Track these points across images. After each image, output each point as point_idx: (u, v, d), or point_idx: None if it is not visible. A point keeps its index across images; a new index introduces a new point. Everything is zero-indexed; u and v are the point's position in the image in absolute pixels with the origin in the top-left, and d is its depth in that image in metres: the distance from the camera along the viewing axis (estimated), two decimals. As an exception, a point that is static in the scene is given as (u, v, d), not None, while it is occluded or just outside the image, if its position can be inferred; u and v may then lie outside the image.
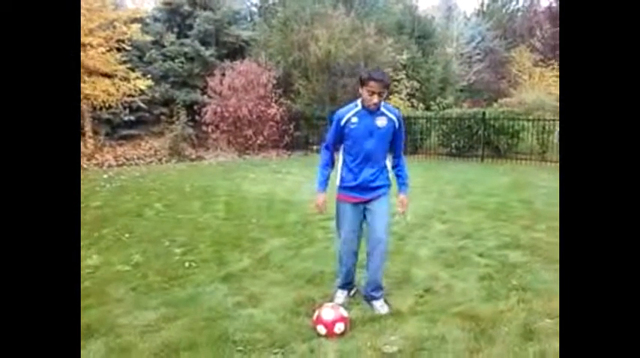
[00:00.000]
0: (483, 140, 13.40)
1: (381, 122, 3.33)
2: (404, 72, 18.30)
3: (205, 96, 15.13)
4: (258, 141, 14.85)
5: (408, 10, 22.52)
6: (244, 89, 14.56)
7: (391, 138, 3.43)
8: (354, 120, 3.33)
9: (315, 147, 14.95)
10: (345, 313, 3.23)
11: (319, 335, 3.10)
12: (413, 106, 16.49)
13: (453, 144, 13.85)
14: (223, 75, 14.78)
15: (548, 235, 5.44)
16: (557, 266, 4.35)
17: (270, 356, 2.89)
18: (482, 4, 34.49)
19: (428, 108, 16.58)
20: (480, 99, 26.67)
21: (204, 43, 16.65)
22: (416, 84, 18.64)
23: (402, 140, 3.54)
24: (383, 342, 3.02)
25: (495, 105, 18.25)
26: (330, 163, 3.56)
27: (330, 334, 3.10)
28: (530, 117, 13.71)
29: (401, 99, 16.95)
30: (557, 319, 3.27)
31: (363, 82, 3.22)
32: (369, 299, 3.58)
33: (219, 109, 14.55)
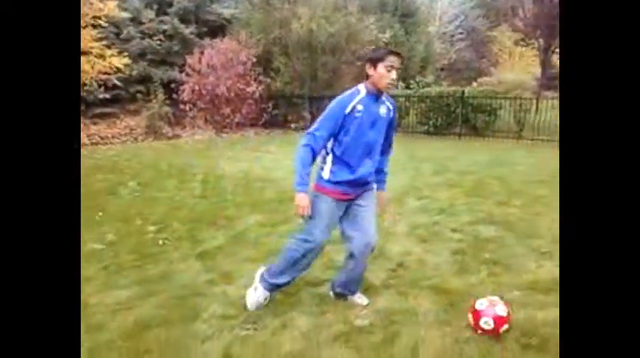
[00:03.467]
0: (462, 118, 13.47)
1: (382, 110, 3.03)
2: (385, 50, 18.20)
3: (183, 75, 14.90)
4: (236, 120, 14.73)
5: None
6: (223, 67, 14.37)
7: (388, 129, 3.16)
8: (360, 108, 2.92)
9: (293, 126, 14.90)
10: (503, 312, 2.82)
11: (484, 331, 2.79)
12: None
13: (431, 122, 13.90)
14: (202, 53, 14.57)
15: (521, 211, 5.51)
16: (529, 240, 4.43)
17: (243, 332, 2.89)
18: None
19: (407, 87, 16.57)
20: (460, 77, 26.75)
21: (183, 20, 16.33)
22: (397, 62, 18.56)
23: (393, 132, 3.25)
24: (354, 316, 3.05)
25: (475, 84, 18.35)
26: (313, 160, 2.99)
27: (497, 328, 2.76)
28: (508, 96, 13.80)
29: (381, 77, 16.89)
30: (526, 291, 3.34)
31: (379, 59, 2.87)
32: (347, 295, 3.29)
33: (197, 87, 14.37)
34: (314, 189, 3.08)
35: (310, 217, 3.00)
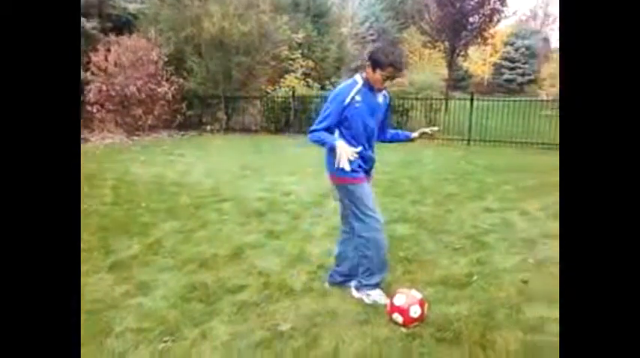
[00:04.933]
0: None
1: (380, 99, 3.25)
2: (299, 51, 18.34)
3: (88, 73, 14.12)
4: (149, 122, 14.19)
5: (302, -12, 22.47)
6: (132, 66, 13.77)
7: (384, 114, 3.38)
8: (358, 98, 3.12)
9: (209, 127, 14.60)
10: (418, 295, 3.03)
11: (396, 323, 2.95)
12: (308, 86, 16.57)
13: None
14: (108, 50, 13.87)
15: (433, 209, 5.75)
16: (442, 237, 4.64)
17: (160, 345, 2.80)
18: (375, -15, 35.35)
19: (323, 88, 16.78)
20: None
21: (85, 14, 15.46)
22: (311, 63, 18.76)
23: (390, 117, 3.51)
24: (276, 321, 3.05)
25: (387, 84, 18.84)
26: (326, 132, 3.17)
27: (406, 320, 2.92)
28: (419, 96, 14.34)
29: (296, 78, 16.99)
30: (440, 287, 3.49)
31: (378, 65, 3.05)
32: (347, 281, 3.47)
33: (104, 87, 13.65)
34: (342, 181, 3.21)
35: (357, 204, 3.17)
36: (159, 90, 13.97)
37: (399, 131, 3.70)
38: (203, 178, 7.72)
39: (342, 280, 3.51)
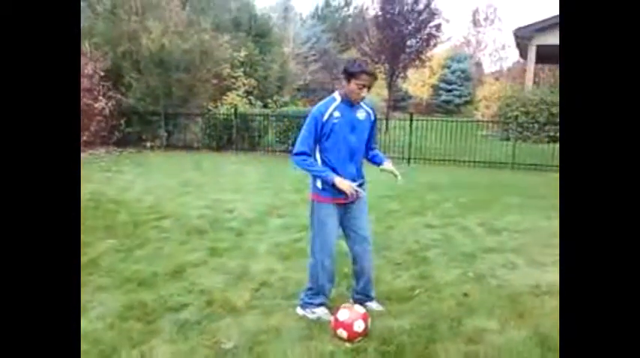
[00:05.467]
0: (318, 137, 13.92)
1: (361, 115, 3.21)
2: (241, 69, 18.28)
3: (20, 88, 13.50)
4: (84, 138, 13.67)
5: (244, 8, 22.51)
6: (67, 81, 13.27)
7: (369, 133, 3.32)
8: (337, 114, 3.11)
9: (149, 144, 14.22)
10: (361, 310, 3.07)
11: (341, 339, 2.94)
12: (251, 104, 16.53)
13: (290, 141, 14.17)
14: (42, 64, 13.33)
15: (376, 225, 5.82)
16: (385, 253, 4.69)
17: (96, 368, 2.67)
18: (317, 8, 36.03)
19: (265, 106, 16.78)
20: (315, 97, 27.71)
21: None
22: (253, 81, 18.73)
23: (375, 134, 3.45)
24: (219, 339, 2.98)
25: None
26: (311, 158, 3.20)
27: (351, 335, 2.93)
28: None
29: (239, 96, 16.90)
30: (383, 301, 3.52)
31: (352, 75, 3.05)
32: (364, 300, 3.41)
33: (37, 102, 13.10)
34: (314, 200, 3.26)
35: (315, 223, 3.24)
36: (95, 105, 13.50)
37: (379, 154, 3.50)
38: (143, 195, 7.50)
39: (358, 298, 3.45)
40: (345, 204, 3.24)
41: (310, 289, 3.32)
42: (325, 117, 3.12)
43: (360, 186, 3.25)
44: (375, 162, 3.45)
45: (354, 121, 3.18)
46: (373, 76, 3.11)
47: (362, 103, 3.23)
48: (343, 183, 3.09)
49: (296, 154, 3.21)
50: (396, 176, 3.35)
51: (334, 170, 3.15)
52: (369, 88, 3.10)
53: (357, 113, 3.20)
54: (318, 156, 3.21)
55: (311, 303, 3.30)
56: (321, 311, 3.27)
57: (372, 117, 3.32)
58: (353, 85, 3.06)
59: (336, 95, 3.20)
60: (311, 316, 3.26)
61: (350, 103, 3.16)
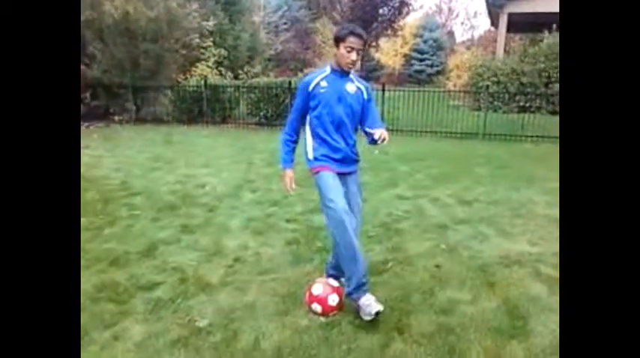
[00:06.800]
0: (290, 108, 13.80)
1: (350, 87, 3.08)
2: (211, 39, 17.91)
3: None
4: (49, 112, 13.28)
5: (212, -25, 21.93)
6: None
7: (360, 109, 3.12)
8: (324, 84, 3.04)
9: (117, 118, 13.91)
10: (335, 283, 3.08)
11: (315, 313, 2.96)
12: (221, 74, 16.24)
13: (262, 114, 14.05)
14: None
15: (349, 198, 5.84)
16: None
17: (67, 350, 2.63)
18: (287, -26, 35.24)
19: (236, 77, 16.50)
20: (286, 68, 27.43)
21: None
22: (223, 51, 18.40)
23: (375, 115, 3.18)
24: (193, 317, 2.97)
25: (301, 74, 18.88)
26: (295, 136, 3.19)
27: (325, 309, 2.95)
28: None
29: (208, 67, 16.60)
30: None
31: (340, 39, 2.95)
32: (340, 276, 3.21)
33: (-3, 75, 12.62)
34: (311, 171, 3.15)
35: (320, 194, 3.03)
36: (59, 77, 13.08)
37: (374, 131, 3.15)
38: (112, 172, 7.35)
39: (333, 273, 3.30)
40: (338, 175, 3.09)
41: (349, 279, 2.99)
42: (311, 86, 3.06)
43: (355, 162, 3.20)
44: (368, 138, 3.14)
45: (343, 92, 3.06)
46: (362, 39, 2.99)
47: (355, 78, 3.14)
48: (284, 179, 3.19)
49: (284, 133, 3.24)
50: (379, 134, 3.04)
51: (325, 141, 3.07)
52: (358, 52, 3.00)
53: (347, 85, 3.09)
54: (307, 128, 3.15)
55: (351, 293, 2.99)
56: (367, 300, 2.90)
57: (366, 96, 3.15)
58: (342, 49, 2.97)
59: (328, 67, 3.13)
60: (364, 315, 2.90)
61: (340, 74, 3.07)
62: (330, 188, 2.97)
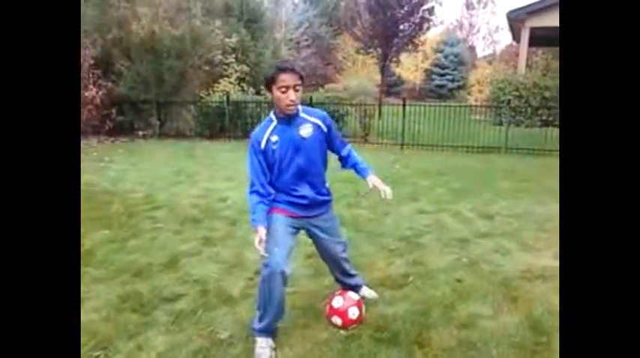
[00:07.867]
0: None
1: (305, 131, 2.75)
2: (233, 55, 18.15)
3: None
4: (76, 127, 13.59)
5: (235, -7, 22.29)
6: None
7: (324, 147, 2.90)
8: (274, 139, 2.72)
9: (141, 133, 14.17)
10: (356, 297, 3.07)
11: (335, 326, 2.97)
12: (243, 90, 16.42)
13: (283, 128, 14.16)
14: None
15: (369, 212, 5.85)
16: (378, 239, 4.71)
17: (92, 359, 2.69)
18: (308, -8, 35.69)
19: (258, 93, 16.68)
20: (307, 83, 27.60)
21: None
22: (246, 68, 18.62)
23: (339, 138, 3.01)
24: (215, 329, 3.00)
25: (322, 90, 19.00)
26: (268, 189, 2.81)
27: (345, 322, 2.96)
28: (354, 102, 14.55)
29: (231, 83, 16.80)
30: (380, 288, 3.55)
31: (270, 81, 2.63)
32: (348, 283, 3.32)
33: (27, 92, 12.98)
34: (269, 212, 2.84)
35: (267, 241, 2.68)
36: (86, 94, 13.41)
37: (358, 162, 3.14)
38: (136, 185, 7.48)
39: (342, 281, 3.34)
40: (303, 218, 2.92)
41: (262, 317, 2.85)
42: (262, 144, 2.74)
43: (324, 203, 3.01)
44: (358, 171, 3.11)
45: (297, 141, 2.74)
46: (295, 73, 2.62)
47: (306, 116, 2.81)
48: (255, 237, 2.66)
49: (250, 193, 2.84)
50: (382, 191, 2.97)
51: (283, 191, 2.84)
52: (295, 88, 2.63)
53: (300, 130, 2.75)
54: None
55: (253, 328, 2.89)
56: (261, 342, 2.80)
57: (325, 128, 2.85)
58: (275, 91, 2.63)
59: (272, 116, 2.80)
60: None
61: (287, 121, 2.74)
62: (274, 238, 2.74)
